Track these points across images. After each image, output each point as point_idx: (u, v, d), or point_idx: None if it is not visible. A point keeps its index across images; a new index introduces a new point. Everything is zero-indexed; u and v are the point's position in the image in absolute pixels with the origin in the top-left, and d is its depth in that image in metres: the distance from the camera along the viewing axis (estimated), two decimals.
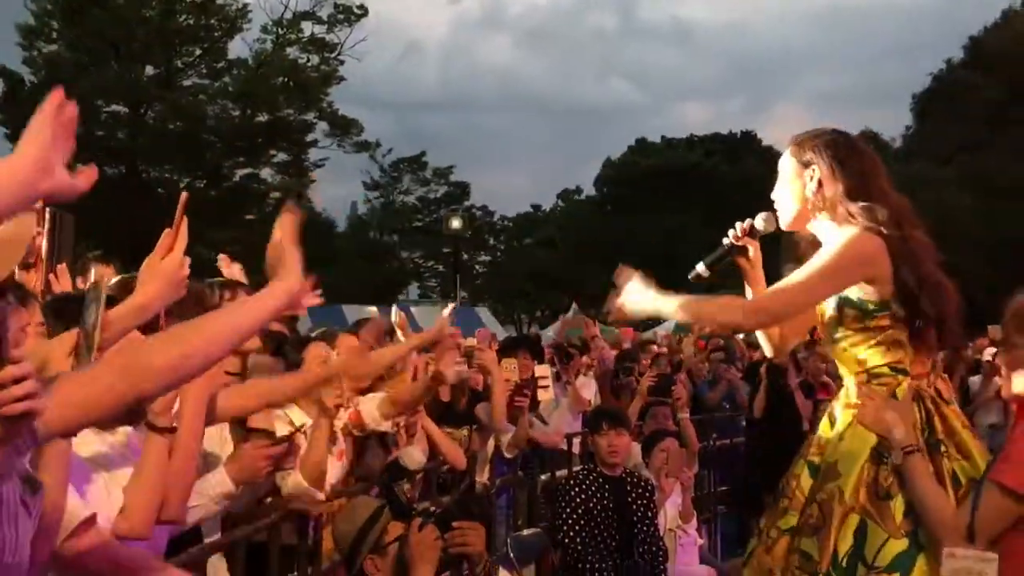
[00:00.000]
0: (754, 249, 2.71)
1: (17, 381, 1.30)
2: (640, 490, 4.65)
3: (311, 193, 31.70)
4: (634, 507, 4.59)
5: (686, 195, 46.47)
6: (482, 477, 5.09)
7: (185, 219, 2.13)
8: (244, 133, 25.36)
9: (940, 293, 2.50)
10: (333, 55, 26.85)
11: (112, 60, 24.78)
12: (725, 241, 2.69)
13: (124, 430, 2.32)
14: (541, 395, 5.56)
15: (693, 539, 5.26)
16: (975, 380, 10.08)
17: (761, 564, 2.50)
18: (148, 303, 2.10)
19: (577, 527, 4.47)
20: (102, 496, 2.12)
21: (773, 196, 2.73)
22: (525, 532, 4.95)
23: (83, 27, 23.80)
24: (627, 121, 72.95)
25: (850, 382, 2.57)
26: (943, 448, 2.41)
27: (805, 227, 2.65)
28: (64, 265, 3.97)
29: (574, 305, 25.41)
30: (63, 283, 4.00)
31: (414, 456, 3.41)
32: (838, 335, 2.54)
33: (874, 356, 2.48)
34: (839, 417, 2.55)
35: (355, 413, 3.71)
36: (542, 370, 5.56)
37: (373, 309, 23.13)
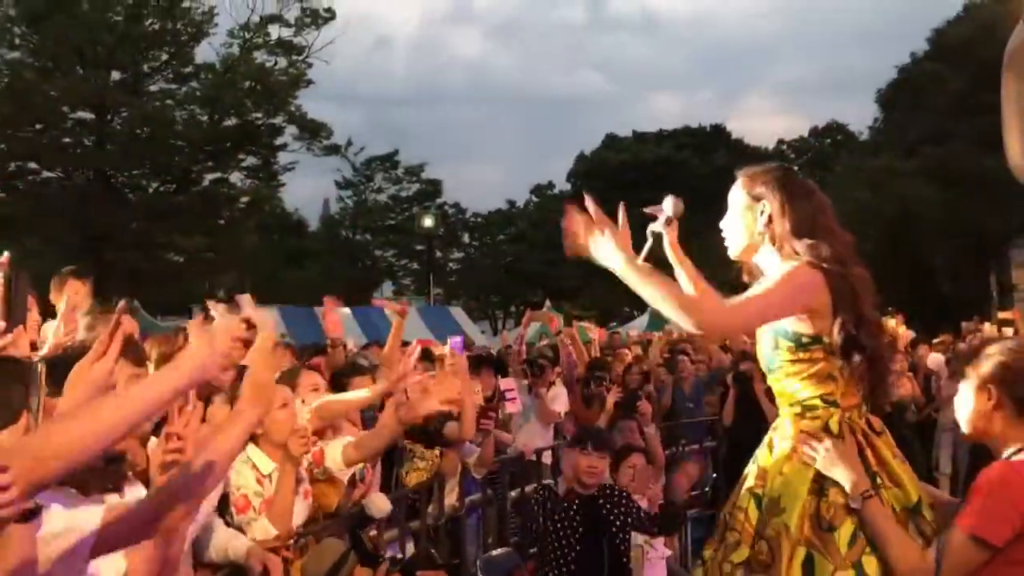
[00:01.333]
0: (672, 232, 2.80)
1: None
2: (614, 501, 4.67)
3: (281, 194, 31.64)
4: (611, 520, 4.60)
5: (658, 189, 46.46)
6: (451, 498, 5.16)
7: (122, 327, 2.19)
8: (212, 138, 25.16)
9: (876, 330, 2.60)
10: (301, 58, 26.70)
11: (77, 66, 24.49)
12: (650, 232, 2.74)
13: None
14: (509, 407, 5.64)
15: (661, 553, 5.35)
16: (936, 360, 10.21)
17: None
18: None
19: (554, 552, 4.53)
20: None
21: (722, 225, 2.80)
22: (495, 552, 5.03)
23: (46, 33, 23.50)
24: (598, 112, 73.10)
25: (786, 414, 2.63)
26: (878, 480, 2.50)
27: (751, 258, 2.74)
28: (21, 328, 3.97)
29: (547, 301, 25.53)
30: (20, 346, 3.99)
31: (378, 504, 3.47)
32: (774, 365, 2.61)
33: (806, 388, 2.56)
34: (777, 447, 2.62)
35: (319, 453, 3.75)
36: (507, 383, 5.64)
37: (346, 311, 23.09)
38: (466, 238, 53.81)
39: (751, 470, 2.67)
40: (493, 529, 5.50)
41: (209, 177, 26.41)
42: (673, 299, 2.40)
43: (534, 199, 55.30)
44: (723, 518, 2.68)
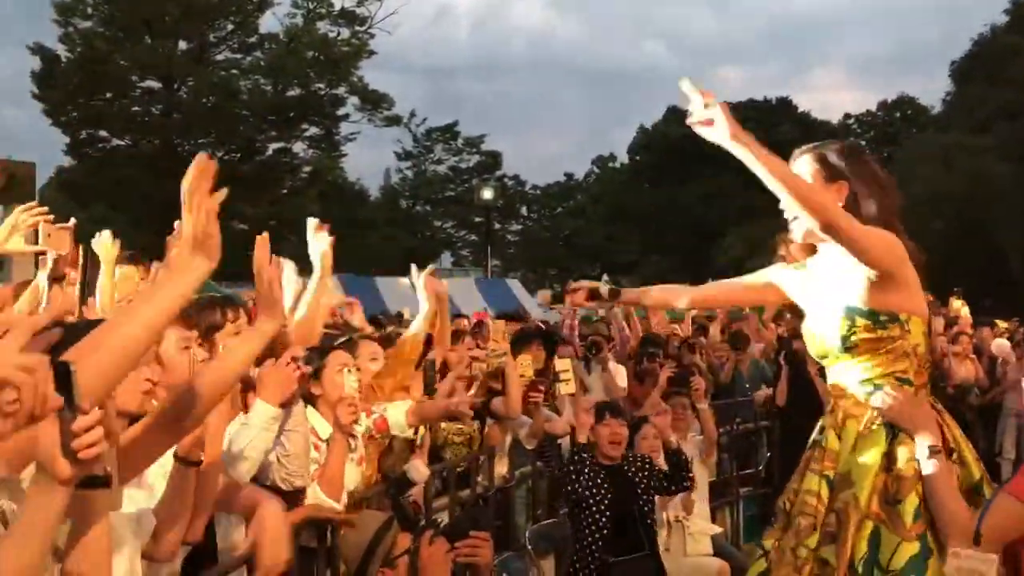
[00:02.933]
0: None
1: (87, 430, 1.42)
2: (638, 466, 4.90)
3: (343, 164, 31.95)
4: (639, 489, 4.81)
5: (719, 164, 46.13)
6: (501, 469, 5.21)
7: None
8: (276, 108, 25.50)
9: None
10: (363, 28, 26.83)
11: (145, 35, 24.98)
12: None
13: None
14: (562, 388, 5.65)
15: (703, 529, 5.41)
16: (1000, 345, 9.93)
17: None
18: None
19: (580, 518, 4.69)
20: None
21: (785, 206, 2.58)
22: (544, 522, 5.08)
23: (116, 3, 23.99)
24: (661, 85, 72.14)
25: (860, 391, 2.56)
26: (954, 456, 2.49)
27: (817, 242, 2.62)
28: (93, 300, 4.11)
29: (605, 276, 25.44)
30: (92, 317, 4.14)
31: (420, 470, 3.53)
32: (847, 345, 2.53)
33: (880, 366, 2.52)
34: (847, 429, 2.57)
35: (382, 420, 3.81)
36: (563, 364, 5.64)
37: (405, 280, 23.38)
38: (524, 211, 53.79)
39: (814, 455, 2.62)
40: (543, 501, 5.52)
41: (272, 147, 26.81)
42: (798, 185, 2.29)
43: (595, 171, 55.02)
44: (784, 505, 2.65)
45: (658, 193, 46.18)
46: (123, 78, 24.24)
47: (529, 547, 4.73)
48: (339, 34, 26.79)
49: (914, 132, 45.20)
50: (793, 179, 2.32)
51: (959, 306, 12.65)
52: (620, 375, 7.26)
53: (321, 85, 26.37)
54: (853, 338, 2.51)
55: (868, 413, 2.54)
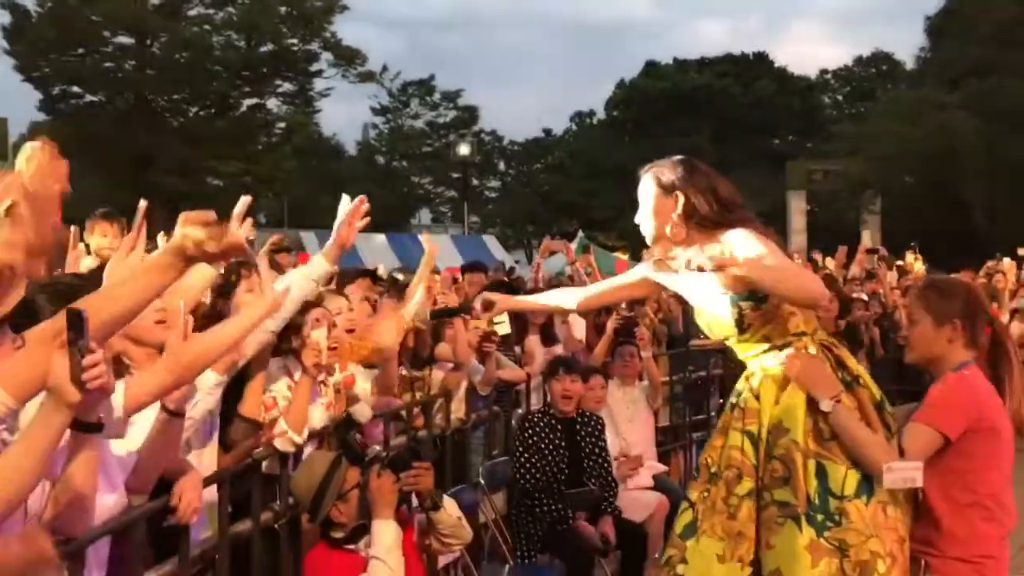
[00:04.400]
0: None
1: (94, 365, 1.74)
2: (590, 428, 5.23)
3: (320, 120, 31.91)
4: (584, 444, 5.16)
5: (698, 118, 46.28)
6: (458, 412, 5.58)
7: (144, 223, 2.58)
8: (249, 64, 25.47)
9: None
10: None
11: None
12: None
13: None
14: (499, 330, 5.93)
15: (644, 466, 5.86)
16: None
17: (727, 530, 2.79)
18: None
19: (528, 464, 5.04)
20: None
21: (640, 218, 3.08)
22: (497, 460, 5.47)
23: None
24: (643, 39, 71.81)
25: (766, 358, 2.91)
26: (861, 381, 2.87)
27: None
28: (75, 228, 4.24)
29: (579, 231, 25.74)
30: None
31: (364, 411, 3.90)
32: (743, 328, 2.88)
33: (777, 332, 2.88)
34: (761, 389, 2.90)
35: (351, 378, 4.10)
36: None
37: (381, 237, 23.50)
38: (503, 166, 53.82)
39: (733, 415, 2.94)
40: (500, 443, 5.90)
41: (247, 103, 26.79)
42: (789, 277, 2.74)
43: (573, 127, 55.00)
44: (706, 462, 2.96)
45: (636, 148, 46.23)
46: (95, 33, 24.10)
47: (482, 482, 5.14)
48: None
49: (889, 88, 45.48)
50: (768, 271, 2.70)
51: (912, 260, 13.08)
52: (579, 326, 7.59)
53: (294, 41, 26.33)
54: (745, 321, 2.86)
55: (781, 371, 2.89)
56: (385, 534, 3.14)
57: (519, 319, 6.35)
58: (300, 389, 3.66)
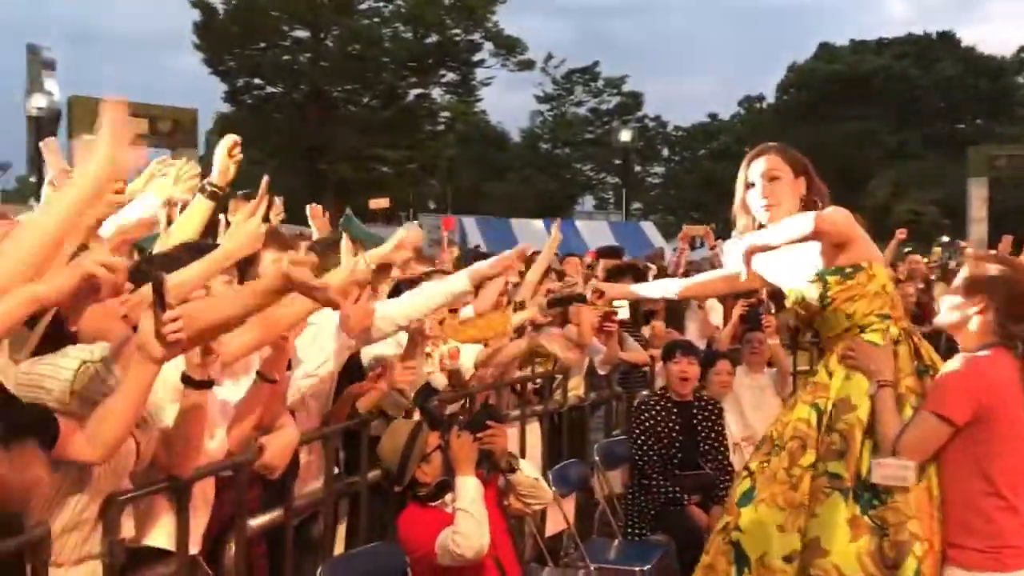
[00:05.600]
0: None
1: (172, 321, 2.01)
2: (707, 412, 5.22)
3: (486, 108, 32.50)
4: (699, 427, 5.17)
5: (873, 102, 44.19)
6: (577, 390, 5.70)
7: (266, 196, 2.84)
8: (415, 54, 26.34)
9: None
10: None
11: None
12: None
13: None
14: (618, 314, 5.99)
15: None
16: None
17: (788, 500, 2.83)
18: (231, 255, 2.76)
19: (645, 445, 5.10)
20: None
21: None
22: (614, 439, 5.55)
23: None
24: (814, 22, 69.01)
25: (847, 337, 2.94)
26: (931, 372, 2.86)
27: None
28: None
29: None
30: None
31: (439, 381, 4.11)
32: (826, 302, 2.93)
33: (861, 308, 2.90)
34: (835, 366, 2.94)
35: (456, 351, 4.29)
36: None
37: (539, 223, 23.83)
38: (666, 152, 53.17)
39: (805, 389, 3.02)
40: (622, 423, 5.98)
41: (413, 93, 27.70)
42: (801, 230, 2.83)
43: (741, 112, 53.65)
44: (771, 434, 3.01)
45: (805, 134, 44.66)
46: (275, 27, 25.57)
47: (596, 459, 5.24)
48: None
49: None
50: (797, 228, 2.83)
51: None
52: (715, 312, 7.53)
53: (458, 31, 27.00)
54: (829, 294, 2.90)
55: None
56: (468, 488, 3.33)
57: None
58: (409, 347, 3.89)
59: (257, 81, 27.02)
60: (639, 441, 5.16)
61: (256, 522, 3.11)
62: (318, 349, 3.31)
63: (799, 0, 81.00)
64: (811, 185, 3.05)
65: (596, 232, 22.93)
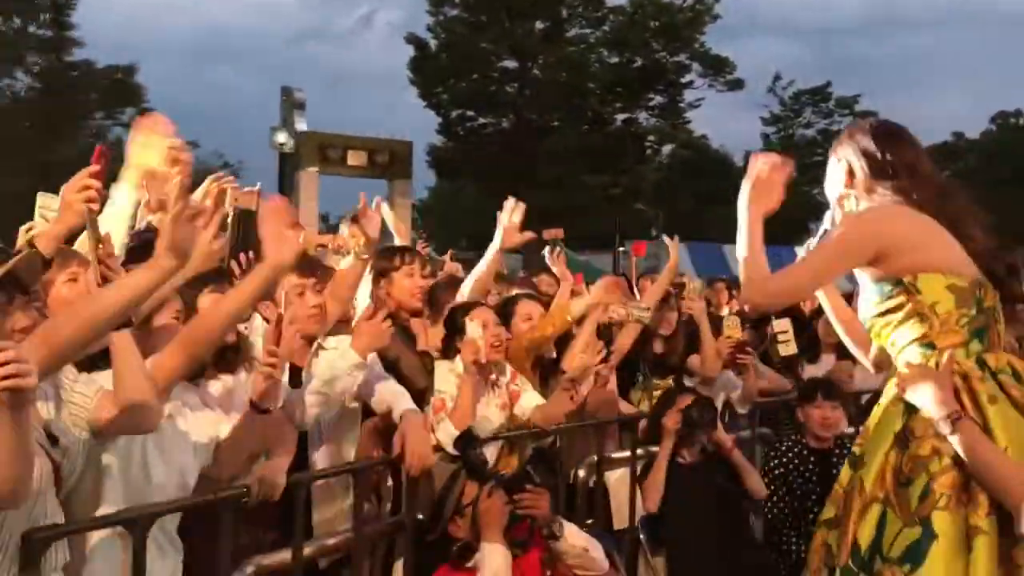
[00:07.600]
0: None
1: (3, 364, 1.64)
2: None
3: (704, 130, 31.57)
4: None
5: None
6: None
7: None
8: (621, 79, 26.08)
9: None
10: None
11: (504, 18, 26.70)
12: None
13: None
14: (781, 350, 5.34)
15: None
16: None
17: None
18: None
19: (775, 497, 4.48)
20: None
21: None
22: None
23: None
24: None
25: (908, 352, 2.35)
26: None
27: None
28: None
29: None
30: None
31: (485, 427, 3.67)
32: (868, 328, 2.42)
33: (901, 336, 2.31)
34: (877, 405, 2.41)
35: (517, 393, 3.88)
36: (781, 324, 5.30)
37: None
38: None
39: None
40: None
41: (619, 118, 27.43)
42: (745, 268, 2.42)
43: (992, 128, 49.19)
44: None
45: None
46: (484, 58, 26.16)
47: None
48: (684, 1, 26.62)
49: None
50: (746, 261, 2.45)
51: None
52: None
53: (663, 53, 26.47)
54: (868, 321, 2.39)
55: (890, 388, 2.34)
56: (493, 558, 2.93)
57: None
58: (463, 388, 3.55)
59: (469, 113, 27.70)
60: (769, 491, 4.51)
61: (268, 560, 2.92)
62: (328, 368, 3.11)
63: None
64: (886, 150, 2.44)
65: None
